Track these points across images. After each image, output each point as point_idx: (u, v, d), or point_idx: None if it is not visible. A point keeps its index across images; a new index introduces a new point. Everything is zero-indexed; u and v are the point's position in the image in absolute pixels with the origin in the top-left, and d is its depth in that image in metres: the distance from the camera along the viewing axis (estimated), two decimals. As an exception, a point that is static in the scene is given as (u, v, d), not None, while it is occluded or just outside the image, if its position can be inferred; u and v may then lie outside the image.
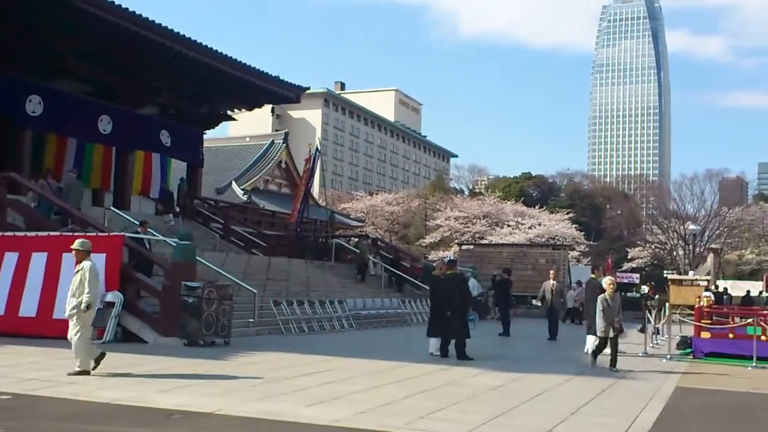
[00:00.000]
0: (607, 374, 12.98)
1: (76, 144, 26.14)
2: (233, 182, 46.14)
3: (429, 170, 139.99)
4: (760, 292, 46.60)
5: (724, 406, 10.28)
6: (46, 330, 14.84)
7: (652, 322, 19.23)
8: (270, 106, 60.24)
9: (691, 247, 59.87)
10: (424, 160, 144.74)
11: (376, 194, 73.93)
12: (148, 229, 19.65)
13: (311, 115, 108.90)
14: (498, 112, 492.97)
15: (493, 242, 51.21)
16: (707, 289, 32.12)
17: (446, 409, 8.82)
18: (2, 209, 18.40)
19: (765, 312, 19.37)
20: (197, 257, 17.11)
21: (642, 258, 65.61)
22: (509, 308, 23.31)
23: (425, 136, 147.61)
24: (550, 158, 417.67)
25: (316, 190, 45.86)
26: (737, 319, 17.46)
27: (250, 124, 59.49)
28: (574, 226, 63.36)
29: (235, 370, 11.77)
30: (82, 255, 10.83)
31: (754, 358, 14.82)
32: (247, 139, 55.29)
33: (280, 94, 30.82)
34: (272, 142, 53.05)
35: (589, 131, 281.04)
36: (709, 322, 17.18)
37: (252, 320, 18.37)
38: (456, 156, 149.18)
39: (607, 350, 16.75)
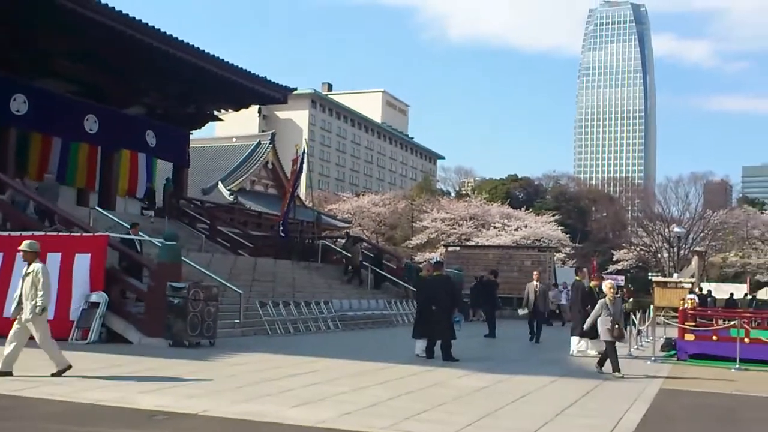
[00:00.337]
0: (592, 376, 13.02)
1: (61, 143, 26.02)
2: (219, 183, 46.00)
3: (416, 172, 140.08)
4: (745, 295, 46.96)
5: (708, 408, 10.34)
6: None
7: (637, 325, 19.30)
8: (257, 106, 60.13)
9: (675, 249, 60.26)
10: (410, 161, 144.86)
11: (363, 195, 73.96)
12: (139, 232, 19.57)
13: (298, 116, 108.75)
14: (485, 114, 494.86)
15: (480, 244, 51.31)
16: (691, 291, 32.44)
17: (431, 411, 8.82)
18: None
19: (748, 314, 19.52)
20: (183, 258, 17.04)
21: (627, 260, 65.91)
22: (495, 310, 23.34)
23: (412, 138, 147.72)
24: (536, 160, 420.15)
25: (302, 191, 45.73)
26: (721, 322, 17.54)
27: (236, 125, 59.39)
28: (559, 228, 63.60)
29: (220, 371, 11.73)
30: (31, 257, 10.52)
31: (738, 360, 14.90)
32: (234, 139, 55.10)
33: (267, 94, 30.79)
34: (259, 143, 52.92)
35: (575, 134, 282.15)
36: (693, 324, 17.27)
37: (238, 321, 18.31)
38: (443, 158, 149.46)
39: (589, 350, 16.93)
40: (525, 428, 8.03)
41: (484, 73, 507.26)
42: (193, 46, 25.04)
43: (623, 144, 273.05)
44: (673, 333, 18.02)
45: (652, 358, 16.27)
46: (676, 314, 18.61)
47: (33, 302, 10.15)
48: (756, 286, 57.42)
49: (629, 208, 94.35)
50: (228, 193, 45.04)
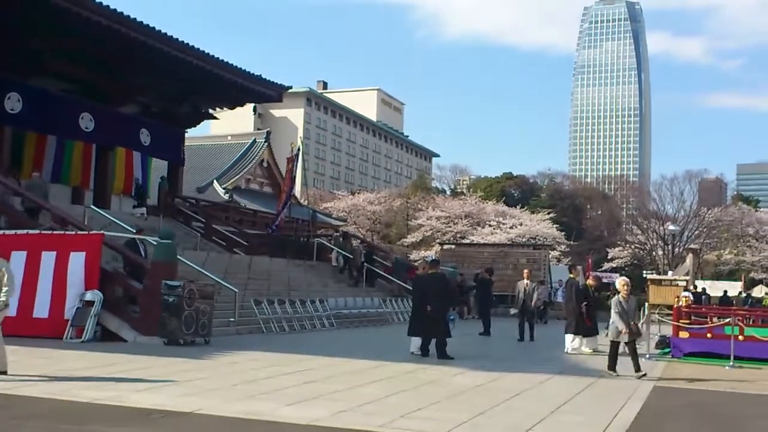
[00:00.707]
0: (587, 374, 13.06)
1: (56, 141, 25.98)
2: (214, 181, 45.96)
3: (411, 170, 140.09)
4: (740, 293, 47.10)
5: (702, 405, 10.37)
6: (27, 329, 14.75)
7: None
8: (252, 105, 60.13)
9: (670, 247, 60.35)
10: (406, 159, 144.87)
11: (358, 193, 73.90)
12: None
13: (293, 114, 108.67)
14: (480, 112, 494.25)
15: (475, 242, 51.35)
16: (686, 289, 32.46)
17: (426, 409, 8.84)
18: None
19: (742, 312, 19.57)
20: (178, 256, 17.04)
21: (622, 258, 65.97)
22: (490, 308, 23.36)
23: (407, 136, 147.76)
24: (531, 158, 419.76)
25: (298, 189, 45.70)
26: (715, 319, 17.60)
27: (231, 123, 59.26)
28: (554, 226, 63.60)
29: (215, 370, 11.74)
30: None
31: (732, 358, 14.95)
32: (229, 137, 55.06)
33: (262, 92, 30.73)
34: (254, 141, 52.89)
35: (570, 132, 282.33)
36: (688, 321, 17.32)
37: (233, 319, 18.31)
38: (438, 156, 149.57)
39: (583, 348, 16.98)
40: (520, 426, 8.06)
41: (479, 71, 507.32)
42: (188, 44, 24.99)
43: (618, 142, 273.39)
44: (668, 331, 18.07)
45: (647, 356, 16.28)
46: (671, 312, 18.63)
47: None
48: (750, 284, 57.60)
49: (624, 205, 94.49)
50: (223, 191, 45.01)
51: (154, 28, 23.36)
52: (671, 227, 57.17)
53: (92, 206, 24.56)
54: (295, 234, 33.87)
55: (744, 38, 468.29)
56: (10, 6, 20.28)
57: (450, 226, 60.22)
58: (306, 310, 21.23)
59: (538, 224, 61.34)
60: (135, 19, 22.54)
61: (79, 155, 26.96)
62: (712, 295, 39.06)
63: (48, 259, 15.89)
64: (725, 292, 41.58)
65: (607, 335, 13.57)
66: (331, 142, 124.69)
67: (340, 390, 9.95)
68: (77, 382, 9.78)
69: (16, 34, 21.67)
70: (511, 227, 59.03)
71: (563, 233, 64.24)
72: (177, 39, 24.42)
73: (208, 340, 15.63)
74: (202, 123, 34.25)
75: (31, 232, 16.65)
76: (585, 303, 16.87)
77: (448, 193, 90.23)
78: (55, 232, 16.80)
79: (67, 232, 16.71)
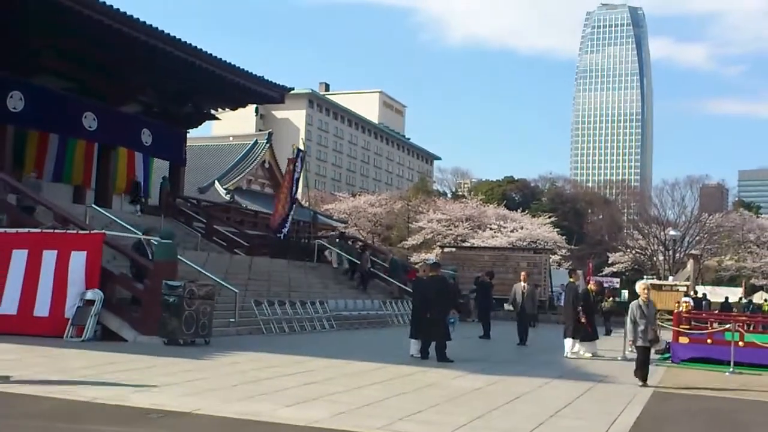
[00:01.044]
0: (586, 378, 13.05)
1: (58, 140, 25.99)
2: (216, 182, 45.99)
3: (412, 172, 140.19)
4: (740, 299, 47.13)
5: (701, 411, 10.37)
6: (27, 328, 14.76)
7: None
8: (254, 106, 60.13)
9: (671, 252, 60.42)
10: (407, 162, 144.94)
11: (359, 195, 73.96)
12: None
13: (295, 116, 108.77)
14: (482, 115, 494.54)
15: (476, 245, 51.38)
16: (686, 294, 32.51)
17: (425, 411, 8.84)
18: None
19: (743, 318, 19.58)
20: (179, 256, 17.04)
21: (622, 263, 66.03)
22: (490, 311, 23.34)
23: (409, 139, 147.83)
24: (532, 162, 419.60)
25: (299, 190, 45.71)
26: (715, 325, 17.59)
27: (233, 124, 59.36)
28: (555, 230, 63.69)
29: (214, 370, 11.73)
30: None
31: (732, 364, 14.95)
32: (231, 138, 55.12)
33: (265, 94, 30.75)
34: (256, 142, 52.92)
35: (572, 136, 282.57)
36: (688, 327, 17.32)
37: (233, 320, 18.30)
38: (439, 158, 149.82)
39: (582, 352, 16.97)
40: (519, 429, 8.06)
41: (481, 74, 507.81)
42: (190, 44, 24.99)
43: (620, 146, 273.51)
44: (668, 336, 18.05)
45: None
46: (671, 317, 18.62)
47: None
48: (751, 290, 57.65)
49: (625, 210, 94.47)
50: (224, 192, 45.03)
51: (156, 27, 23.35)
52: (672, 232, 57.21)
53: (94, 205, 24.56)
54: (296, 235, 33.87)
55: (746, 45, 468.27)
56: (12, 4, 20.30)
57: (451, 229, 60.28)
58: (306, 311, 21.22)
59: (539, 228, 61.40)
60: (137, 18, 22.53)
61: (81, 154, 26.98)
62: (712, 300, 39.07)
63: (49, 257, 15.88)
64: (726, 298, 41.60)
65: (632, 342, 12.76)
66: (333, 143, 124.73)
67: (339, 391, 9.94)
68: (77, 381, 9.78)
69: (18, 32, 21.67)
70: (511, 231, 59.10)
71: (564, 237, 64.34)
72: (179, 39, 24.42)
73: (208, 340, 15.62)
74: (204, 123, 34.27)
75: (32, 230, 16.65)
76: (581, 307, 16.86)
77: (449, 195, 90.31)
78: (56, 230, 16.79)
79: (68, 231, 16.70)
